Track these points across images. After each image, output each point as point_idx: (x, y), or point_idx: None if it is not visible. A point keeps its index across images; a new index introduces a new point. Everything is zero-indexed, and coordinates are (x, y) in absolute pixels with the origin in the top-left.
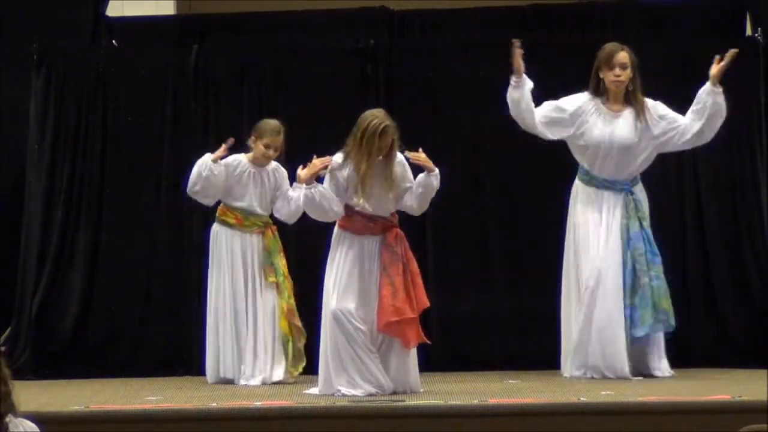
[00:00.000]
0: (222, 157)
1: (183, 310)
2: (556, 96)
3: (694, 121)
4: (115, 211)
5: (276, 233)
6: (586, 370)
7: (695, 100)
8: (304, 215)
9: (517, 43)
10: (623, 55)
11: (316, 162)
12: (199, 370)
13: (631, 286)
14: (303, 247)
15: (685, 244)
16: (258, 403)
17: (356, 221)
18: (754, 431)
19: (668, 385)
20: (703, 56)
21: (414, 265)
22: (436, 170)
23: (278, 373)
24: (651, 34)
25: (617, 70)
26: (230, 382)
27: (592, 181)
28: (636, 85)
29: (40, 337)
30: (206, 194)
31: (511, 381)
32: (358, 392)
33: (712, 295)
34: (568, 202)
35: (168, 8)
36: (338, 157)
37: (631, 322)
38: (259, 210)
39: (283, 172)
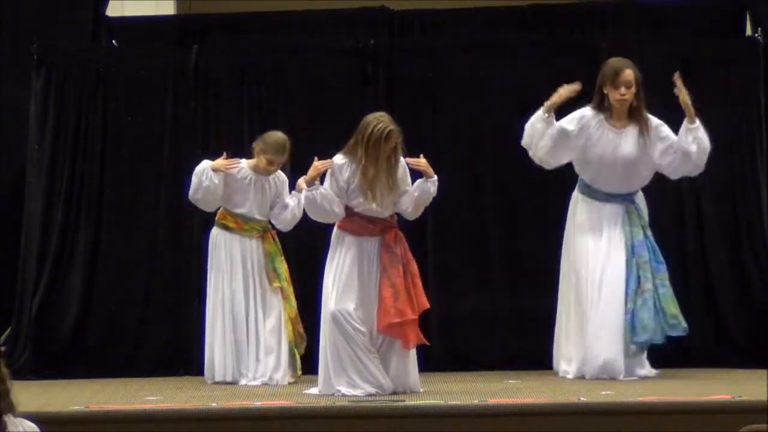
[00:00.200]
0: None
1: (183, 310)
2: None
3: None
4: (115, 211)
5: (276, 238)
6: (584, 373)
7: (679, 138)
8: (303, 218)
9: (573, 87)
10: (629, 73)
11: (318, 164)
12: (199, 370)
13: (635, 292)
14: (302, 248)
15: (685, 244)
16: (258, 403)
17: (355, 222)
18: (754, 431)
19: (668, 385)
20: (703, 56)
21: (414, 266)
22: (435, 177)
23: (278, 377)
24: (651, 34)
25: (622, 90)
26: (229, 383)
27: (593, 194)
28: (640, 101)
29: (40, 337)
30: (207, 202)
31: (511, 381)
32: (358, 392)
33: (712, 295)
34: (567, 202)
35: (168, 8)
36: (339, 159)
37: (632, 327)
38: (258, 216)
39: (284, 180)
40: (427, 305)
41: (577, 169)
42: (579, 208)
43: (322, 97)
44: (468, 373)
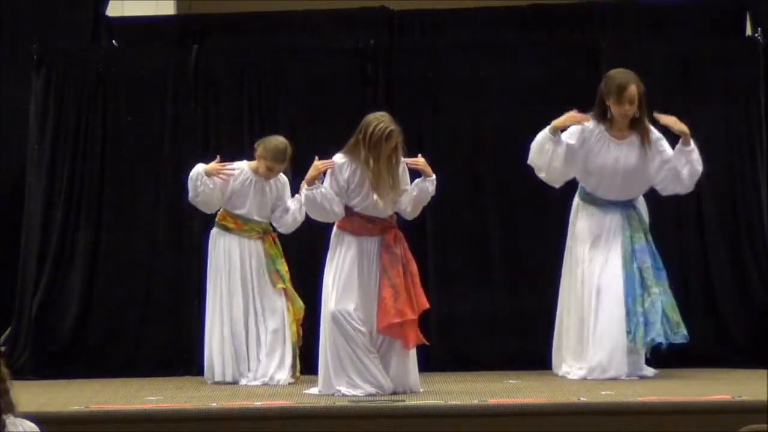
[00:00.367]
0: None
1: (183, 310)
2: (555, 95)
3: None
4: (115, 211)
5: (276, 240)
6: (584, 376)
7: (672, 157)
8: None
9: (583, 119)
10: (633, 90)
11: (318, 163)
12: (199, 370)
13: (641, 296)
14: (303, 248)
15: (686, 244)
16: (258, 403)
17: (355, 222)
18: (754, 431)
19: (668, 385)
20: (703, 56)
21: (413, 266)
22: (433, 176)
23: (279, 377)
24: (651, 34)
25: (626, 106)
26: (228, 383)
27: (594, 201)
28: (643, 112)
29: (40, 337)
30: (206, 205)
31: (511, 381)
32: (358, 393)
33: (712, 295)
34: (567, 202)
35: (168, 8)
36: (339, 158)
37: (645, 328)
38: (258, 217)
39: (285, 182)
40: (427, 305)
41: (578, 177)
42: (579, 214)
43: (322, 97)
44: (468, 373)
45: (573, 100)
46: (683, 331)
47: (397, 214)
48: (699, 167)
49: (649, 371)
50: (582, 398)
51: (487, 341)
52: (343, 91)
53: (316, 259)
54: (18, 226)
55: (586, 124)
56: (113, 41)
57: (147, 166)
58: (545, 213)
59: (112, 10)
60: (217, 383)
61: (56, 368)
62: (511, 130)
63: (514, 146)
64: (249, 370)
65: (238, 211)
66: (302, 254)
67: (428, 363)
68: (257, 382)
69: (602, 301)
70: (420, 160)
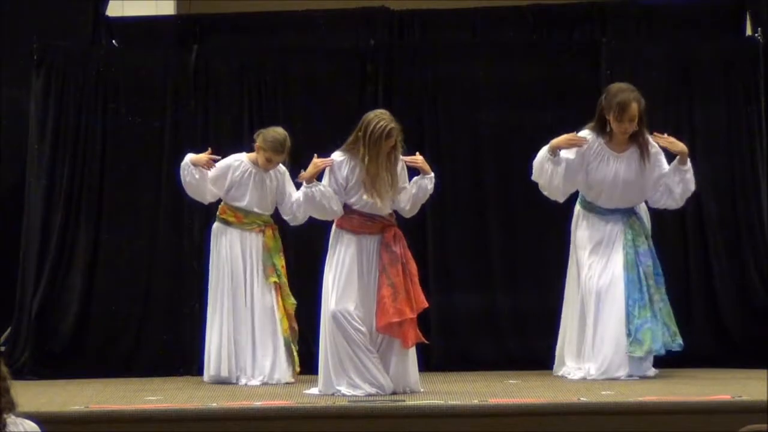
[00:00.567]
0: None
1: (183, 310)
2: (555, 95)
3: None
4: (115, 211)
5: (277, 233)
6: (585, 374)
7: (668, 172)
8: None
9: (579, 142)
10: (634, 108)
11: (317, 161)
12: (199, 370)
13: (643, 300)
14: (302, 247)
15: (686, 244)
16: (258, 403)
17: (354, 220)
18: (754, 431)
19: (668, 385)
20: (703, 56)
21: (412, 265)
22: (432, 174)
23: (278, 374)
24: (651, 33)
25: (626, 124)
26: (225, 380)
27: (594, 209)
28: (643, 126)
29: (40, 337)
30: (195, 193)
31: (511, 381)
32: (358, 393)
33: (713, 296)
34: (567, 202)
35: (168, 8)
36: (338, 155)
37: (649, 337)
38: (259, 210)
39: (284, 172)
40: (426, 304)
41: (579, 189)
42: (580, 222)
43: (322, 97)
44: (468, 373)
45: (573, 100)
46: (679, 339)
47: (396, 212)
48: (692, 186)
49: (651, 371)
50: (582, 398)
51: (487, 341)
52: (343, 91)
53: (315, 256)
54: (18, 226)
55: (584, 146)
56: (113, 41)
57: (147, 166)
58: (545, 213)
59: (112, 10)
60: (213, 377)
61: (56, 368)
62: (511, 130)
63: (514, 146)
64: (245, 367)
65: (238, 204)
66: (302, 253)
67: (428, 363)
68: (256, 382)
69: (603, 303)
70: (418, 158)
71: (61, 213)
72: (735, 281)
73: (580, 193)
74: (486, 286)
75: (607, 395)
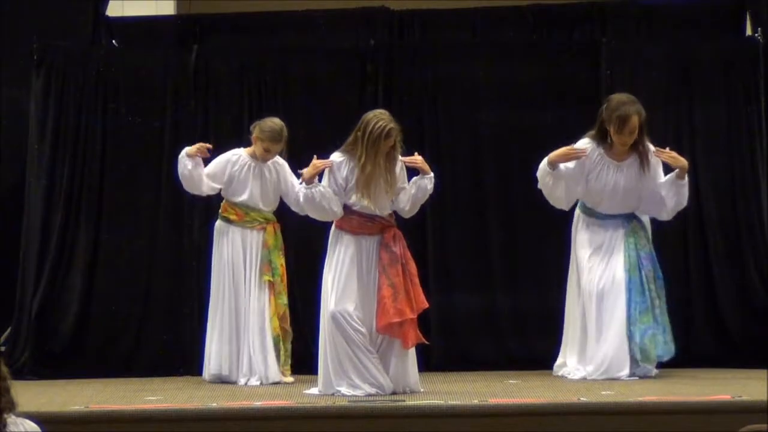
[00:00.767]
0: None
1: (183, 310)
2: (555, 95)
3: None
4: (115, 211)
5: (278, 231)
6: (585, 374)
7: (663, 184)
8: (303, 217)
9: (578, 154)
10: (635, 121)
11: (317, 162)
12: (199, 370)
13: (644, 304)
14: (302, 247)
15: (686, 244)
16: (258, 403)
17: (354, 221)
18: (754, 431)
19: (668, 385)
20: (703, 56)
21: (412, 266)
22: (431, 174)
23: (273, 373)
24: (651, 34)
25: (627, 138)
26: (225, 378)
27: (594, 214)
28: (643, 135)
29: (40, 337)
30: (192, 188)
31: (511, 381)
32: (358, 393)
33: (713, 295)
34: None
35: (168, 8)
36: (337, 156)
37: (654, 341)
38: (261, 204)
39: (284, 165)
40: (426, 304)
41: (579, 196)
42: (580, 225)
43: (322, 97)
44: (468, 373)
45: (573, 100)
46: (673, 345)
47: (395, 213)
48: (685, 201)
49: (651, 371)
50: (582, 398)
51: (487, 341)
52: (343, 91)
53: (315, 257)
54: (18, 226)
55: (583, 157)
56: (113, 41)
57: (147, 166)
58: (545, 213)
59: (112, 10)
60: (213, 380)
61: (56, 368)
62: (511, 130)
63: (514, 146)
64: (242, 366)
65: (239, 199)
66: (301, 252)
67: (428, 363)
68: (255, 382)
69: (604, 304)
70: (418, 158)
71: (61, 213)
72: (735, 281)
73: (580, 199)
74: (486, 286)
75: (607, 395)
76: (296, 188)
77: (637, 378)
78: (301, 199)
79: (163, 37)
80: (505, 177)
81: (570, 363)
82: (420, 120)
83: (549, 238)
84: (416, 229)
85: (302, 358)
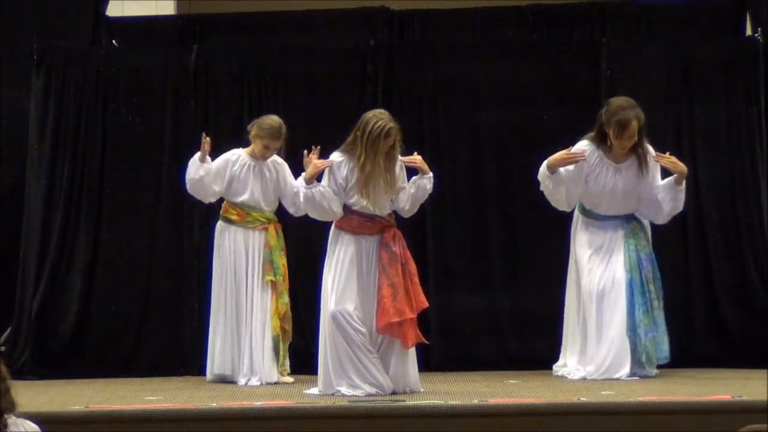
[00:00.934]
0: (209, 154)
1: (183, 310)
2: (555, 95)
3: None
4: (115, 211)
5: (280, 231)
6: (586, 374)
7: (660, 187)
8: (303, 217)
9: (577, 158)
10: (634, 126)
11: (317, 162)
12: (199, 370)
13: (644, 305)
14: (302, 247)
15: (686, 244)
16: (258, 403)
17: (354, 221)
18: (754, 431)
19: (668, 385)
20: (703, 56)
21: (412, 265)
22: (431, 173)
23: (272, 373)
24: (651, 34)
25: (626, 142)
26: (228, 378)
27: (593, 215)
28: (642, 137)
29: (40, 337)
30: (205, 193)
31: (511, 381)
32: (358, 393)
33: (713, 295)
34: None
35: (168, 8)
36: (337, 156)
37: (654, 343)
38: (262, 203)
39: (284, 164)
40: (426, 304)
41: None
42: (580, 226)
43: (322, 97)
44: (468, 373)
45: (573, 100)
46: (668, 352)
47: (395, 212)
48: (681, 206)
49: (651, 371)
50: (582, 398)
51: (487, 341)
52: (343, 91)
53: (315, 257)
54: (18, 226)
55: (579, 158)
56: (113, 41)
57: (147, 166)
58: (545, 213)
59: (112, 10)
60: (215, 380)
61: (56, 368)
62: (510, 130)
63: (514, 146)
64: (243, 366)
65: (240, 199)
66: (300, 253)
67: (428, 363)
68: (256, 382)
69: (604, 304)
70: (417, 158)
71: (61, 213)
72: (735, 281)
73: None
74: (486, 286)
75: (607, 395)
76: (294, 189)
77: (637, 378)
78: (301, 199)
79: (163, 37)
80: (505, 177)
81: (570, 363)
82: (420, 120)
83: (549, 238)
84: (416, 229)
85: (302, 358)
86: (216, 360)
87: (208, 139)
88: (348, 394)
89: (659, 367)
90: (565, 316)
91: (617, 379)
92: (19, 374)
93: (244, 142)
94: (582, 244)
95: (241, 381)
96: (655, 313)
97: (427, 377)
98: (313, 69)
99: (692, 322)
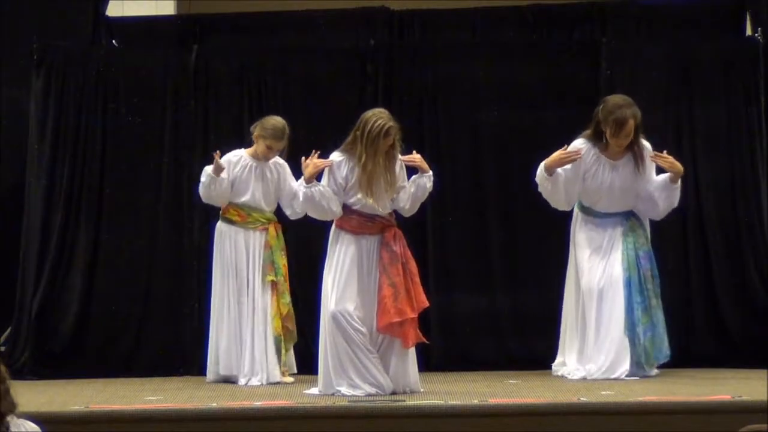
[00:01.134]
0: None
1: (183, 310)
2: (555, 95)
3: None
4: (115, 211)
5: (280, 231)
6: (586, 374)
7: (656, 184)
8: (303, 217)
9: (572, 157)
10: (631, 125)
11: (318, 162)
12: (199, 370)
13: (643, 304)
14: (302, 247)
15: (686, 244)
16: (258, 403)
17: (354, 221)
18: (754, 431)
19: (668, 385)
20: (703, 56)
21: (413, 265)
22: (430, 172)
23: (274, 374)
24: (651, 34)
25: (623, 140)
26: (230, 379)
27: (592, 213)
28: (638, 138)
29: (40, 337)
30: (220, 199)
31: (511, 381)
32: (358, 393)
33: (713, 295)
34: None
35: (168, 8)
36: (337, 156)
37: (653, 342)
38: (263, 204)
39: (285, 165)
40: (427, 304)
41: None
42: (579, 224)
43: (322, 97)
44: (468, 373)
45: (573, 100)
46: (668, 350)
47: (395, 212)
48: (676, 203)
49: (651, 371)
50: (582, 398)
51: (487, 341)
52: (343, 91)
53: (315, 257)
54: (18, 226)
55: (574, 157)
56: (113, 41)
57: (147, 166)
58: (545, 213)
59: (112, 10)
60: (217, 381)
61: (56, 368)
62: (511, 130)
63: (514, 146)
64: (244, 366)
65: (242, 200)
66: (301, 252)
67: (428, 363)
68: (255, 381)
69: (603, 303)
70: (416, 157)
71: (61, 213)
72: (735, 281)
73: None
74: (486, 286)
75: (607, 395)
76: (293, 191)
77: (637, 378)
78: (301, 198)
79: (163, 37)
80: (505, 177)
81: (570, 363)
82: (420, 120)
83: (549, 238)
84: (416, 229)
85: (302, 358)
86: (221, 361)
87: (218, 153)
88: (348, 394)
89: (659, 366)
90: (564, 313)
91: (617, 378)
92: (19, 374)
93: (245, 143)
94: (581, 242)
95: (242, 381)
96: (654, 311)
97: (427, 377)
98: (313, 69)
99: (692, 322)
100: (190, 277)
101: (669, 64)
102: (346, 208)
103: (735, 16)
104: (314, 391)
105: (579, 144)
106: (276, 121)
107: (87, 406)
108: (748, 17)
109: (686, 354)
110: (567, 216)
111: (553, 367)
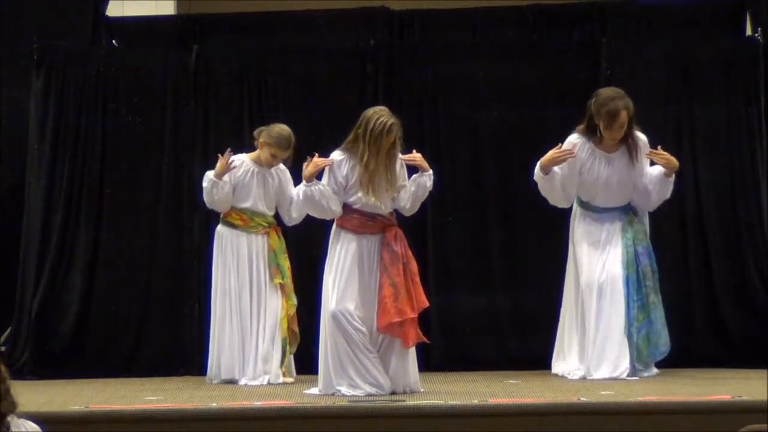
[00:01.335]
0: (224, 172)
1: (183, 310)
2: (555, 95)
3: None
4: (115, 211)
5: (281, 234)
6: (585, 374)
7: (650, 177)
8: (304, 216)
9: (567, 155)
10: (624, 116)
11: (318, 160)
12: (199, 370)
13: (641, 301)
14: (302, 247)
15: (685, 243)
16: (258, 403)
17: (355, 220)
18: (754, 431)
19: (668, 385)
20: (703, 56)
21: (413, 265)
22: (430, 171)
23: (274, 374)
24: (651, 34)
25: (616, 132)
26: (231, 382)
27: (591, 208)
28: (632, 130)
29: (40, 337)
30: (223, 204)
31: (511, 381)
32: (358, 393)
33: (713, 295)
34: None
35: (168, 8)
36: (337, 154)
37: (647, 340)
38: (264, 209)
39: (286, 171)
40: (427, 304)
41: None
42: (578, 220)
43: (322, 97)
44: (468, 373)
45: (573, 100)
46: (667, 347)
47: (396, 211)
48: (668, 195)
49: (651, 371)
50: (582, 398)
51: (487, 341)
52: (343, 91)
53: (316, 257)
54: (18, 226)
55: (569, 155)
56: (113, 41)
57: (147, 166)
58: (545, 213)
59: (112, 10)
60: (224, 380)
61: (56, 368)
62: (511, 130)
63: (514, 146)
64: (246, 368)
65: (243, 205)
66: (301, 252)
67: (428, 363)
68: (256, 382)
69: (602, 301)
70: (416, 156)
71: (61, 213)
72: (735, 281)
73: (577, 196)
74: (486, 286)
75: (607, 395)
76: (293, 196)
77: (637, 378)
78: (301, 197)
79: (163, 37)
80: (505, 177)
81: (569, 362)
82: (420, 120)
83: (549, 237)
84: (417, 229)
85: (302, 358)
86: (223, 365)
87: (230, 150)
88: (348, 394)
89: (659, 366)
90: (563, 309)
91: (617, 377)
92: (19, 374)
93: (247, 147)
94: (580, 236)
95: (242, 381)
96: (651, 307)
97: (427, 377)
98: (313, 69)
99: (692, 322)
100: (190, 277)
101: (669, 64)
102: (346, 207)
103: (735, 16)
104: (314, 391)
105: (573, 139)
106: (282, 129)
107: (87, 406)
108: (748, 17)
109: (686, 354)
110: (567, 215)
111: (552, 364)
